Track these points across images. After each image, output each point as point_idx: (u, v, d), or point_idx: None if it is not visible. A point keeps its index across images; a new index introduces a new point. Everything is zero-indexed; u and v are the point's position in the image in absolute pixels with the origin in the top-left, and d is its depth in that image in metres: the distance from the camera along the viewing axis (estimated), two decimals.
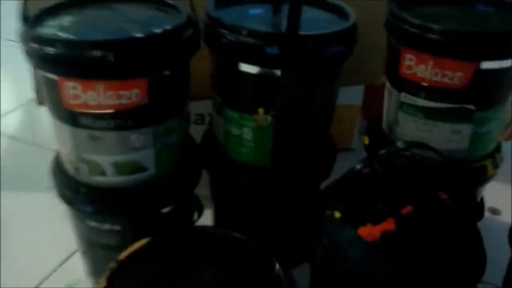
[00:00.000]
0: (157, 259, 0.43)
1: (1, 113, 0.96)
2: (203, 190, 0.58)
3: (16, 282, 0.60)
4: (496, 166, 0.57)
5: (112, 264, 0.41)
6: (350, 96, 0.81)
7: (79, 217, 0.53)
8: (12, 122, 0.95)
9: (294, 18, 0.44)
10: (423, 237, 0.46)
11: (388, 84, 0.59)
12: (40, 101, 0.65)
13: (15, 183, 0.77)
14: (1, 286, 0.60)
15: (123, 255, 0.42)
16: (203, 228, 0.54)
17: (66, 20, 0.47)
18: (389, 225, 0.47)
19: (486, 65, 0.50)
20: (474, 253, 0.45)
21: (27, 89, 0.76)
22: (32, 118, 0.96)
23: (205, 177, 0.60)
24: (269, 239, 0.46)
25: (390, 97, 0.59)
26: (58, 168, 0.53)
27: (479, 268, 0.45)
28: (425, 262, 0.44)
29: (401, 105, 0.56)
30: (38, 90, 0.64)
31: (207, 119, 0.70)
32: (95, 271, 0.57)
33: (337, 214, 0.49)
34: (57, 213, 0.69)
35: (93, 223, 0.52)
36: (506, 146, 0.85)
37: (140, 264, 0.42)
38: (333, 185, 0.51)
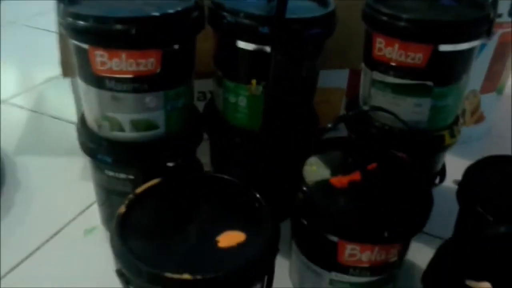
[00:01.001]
0: (165, 194, 0.53)
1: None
2: (203, 158, 0.69)
3: (39, 228, 0.70)
4: (453, 136, 0.67)
5: (130, 196, 0.51)
6: (337, 79, 0.91)
7: (99, 168, 0.63)
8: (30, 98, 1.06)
9: (282, 5, 0.54)
10: (382, 186, 0.57)
11: (363, 65, 0.69)
12: (65, 74, 0.75)
13: (35, 150, 0.88)
14: (24, 232, 0.69)
15: (139, 190, 0.52)
16: (204, 173, 0.64)
17: (95, 1, 0.57)
18: (356, 176, 0.57)
19: (442, 48, 0.60)
20: (422, 203, 0.55)
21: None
22: (51, 93, 1.07)
23: (205, 147, 0.70)
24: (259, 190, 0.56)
25: (365, 76, 0.69)
26: (83, 127, 0.63)
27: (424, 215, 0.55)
28: (382, 205, 0.54)
29: (373, 82, 0.66)
30: (63, 64, 0.74)
31: (208, 96, 0.80)
32: (110, 217, 0.67)
33: (314, 167, 0.59)
34: (73, 174, 0.80)
35: (111, 173, 0.62)
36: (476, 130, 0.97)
37: (151, 198, 0.52)
38: (312, 143, 0.61)
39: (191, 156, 0.66)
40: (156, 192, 0.53)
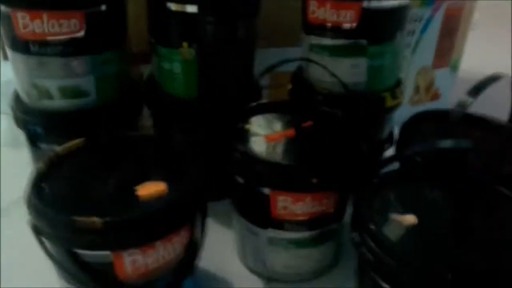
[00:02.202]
0: (87, 154, 0.51)
1: None
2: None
3: None
4: (395, 98, 0.67)
5: (50, 154, 0.49)
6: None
7: (33, 142, 0.61)
8: None
9: None
10: (315, 141, 0.56)
11: (302, 33, 0.69)
12: (5, 57, 0.74)
13: None
14: None
15: (59, 149, 0.50)
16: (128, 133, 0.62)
17: None
18: (290, 132, 0.57)
19: (371, 4, 0.60)
20: (354, 156, 0.54)
21: None
22: None
23: None
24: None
25: (304, 43, 0.69)
26: (16, 100, 0.62)
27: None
28: (313, 156, 0.53)
29: (311, 47, 0.66)
30: (2, 47, 0.73)
31: None
32: None
33: (248, 127, 0.58)
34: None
35: (43, 145, 0.61)
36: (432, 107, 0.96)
37: (72, 157, 0.50)
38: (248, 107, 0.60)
39: (130, 126, 0.65)
40: (78, 152, 0.51)
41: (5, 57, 0.74)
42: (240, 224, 0.58)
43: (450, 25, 0.88)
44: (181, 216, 0.46)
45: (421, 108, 0.89)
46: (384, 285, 0.40)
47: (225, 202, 0.61)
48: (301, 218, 0.53)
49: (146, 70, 0.70)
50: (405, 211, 0.44)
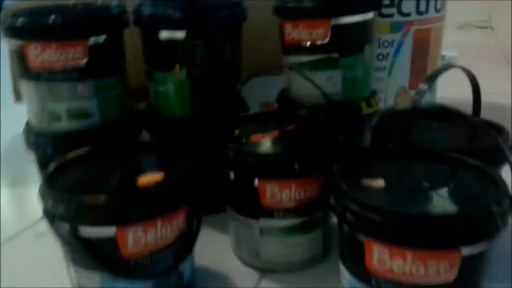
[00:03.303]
0: (93, 158, 0.58)
1: None
2: None
3: None
4: (369, 106, 0.74)
5: (59, 160, 0.56)
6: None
7: (43, 163, 0.68)
8: None
9: None
10: (297, 139, 0.62)
11: (283, 56, 0.77)
12: (17, 98, 0.82)
13: None
14: None
15: (68, 155, 0.57)
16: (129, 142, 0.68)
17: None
18: (274, 134, 0.63)
19: (338, 21, 0.68)
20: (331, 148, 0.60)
21: None
22: None
23: None
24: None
25: (285, 64, 0.77)
26: (27, 127, 0.69)
27: None
28: (295, 149, 0.59)
29: (290, 67, 0.74)
30: (15, 89, 0.81)
31: None
32: None
33: (237, 132, 0.65)
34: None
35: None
36: None
37: (80, 161, 0.56)
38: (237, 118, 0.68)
39: None
40: (84, 158, 0.58)
41: (18, 99, 0.82)
42: (234, 220, 0.63)
43: (420, 47, 0.96)
44: (177, 199, 0.51)
45: None
46: (361, 237, 0.45)
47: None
48: (288, 205, 0.58)
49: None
50: (375, 177, 0.49)
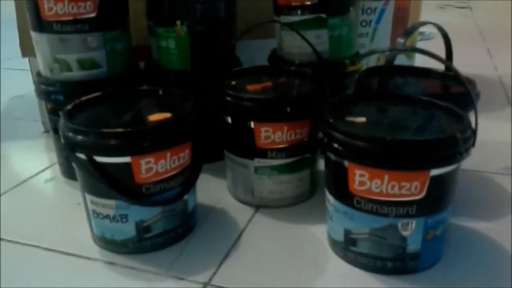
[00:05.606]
0: (107, 99, 0.64)
1: None
2: None
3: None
4: (353, 64, 0.81)
5: (76, 101, 0.62)
6: None
7: (54, 110, 0.73)
8: None
9: None
10: (288, 88, 0.69)
11: (274, 17, 0.83)
12: (24, 53, 0.87)
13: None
14: None
15: (84, 97, 0.63)
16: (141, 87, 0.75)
17: None
18: (267, 84, 0.70)
19: None
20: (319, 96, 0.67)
21: None
22: None
23: None
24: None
25: (276, 24, 0.83)
26: (38, 77, 0.74)
27: None
28: (287, 96, 0.66)
29: (282, 26, 0.80)
30: (22, 44, 0.86)
31: None
32: (66, 161, 0.77)
33: (233, 82, 0.71)
34: None
35: None
36: None
37: (95, 101, 0.63)
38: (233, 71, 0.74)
39: None
40: (98, 100, 0.64)
41: (24, 54, 0.87)
42: (231, 161, 0.69)
43: (401, 15, 1.03)
44: (183, 134, 0.58)
45: None
46: (345, 162, 0.52)
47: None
48: (281, 146, 0.65)
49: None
50: (358, 116, 0.57)
